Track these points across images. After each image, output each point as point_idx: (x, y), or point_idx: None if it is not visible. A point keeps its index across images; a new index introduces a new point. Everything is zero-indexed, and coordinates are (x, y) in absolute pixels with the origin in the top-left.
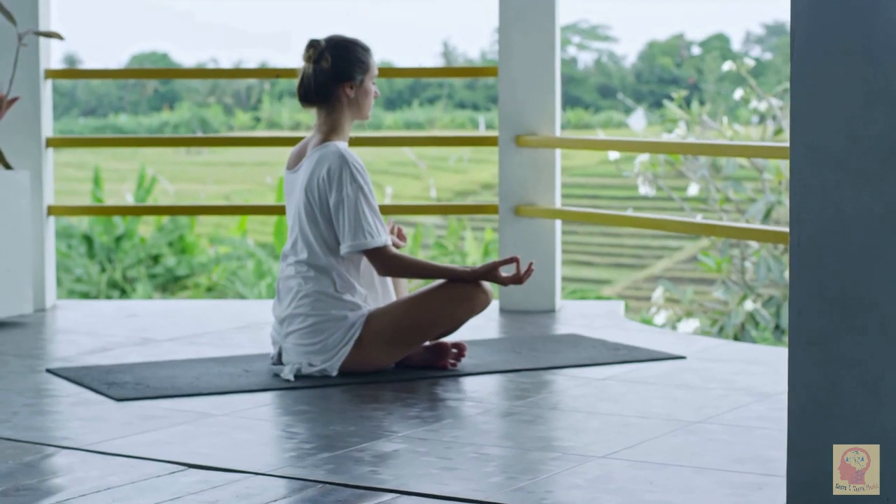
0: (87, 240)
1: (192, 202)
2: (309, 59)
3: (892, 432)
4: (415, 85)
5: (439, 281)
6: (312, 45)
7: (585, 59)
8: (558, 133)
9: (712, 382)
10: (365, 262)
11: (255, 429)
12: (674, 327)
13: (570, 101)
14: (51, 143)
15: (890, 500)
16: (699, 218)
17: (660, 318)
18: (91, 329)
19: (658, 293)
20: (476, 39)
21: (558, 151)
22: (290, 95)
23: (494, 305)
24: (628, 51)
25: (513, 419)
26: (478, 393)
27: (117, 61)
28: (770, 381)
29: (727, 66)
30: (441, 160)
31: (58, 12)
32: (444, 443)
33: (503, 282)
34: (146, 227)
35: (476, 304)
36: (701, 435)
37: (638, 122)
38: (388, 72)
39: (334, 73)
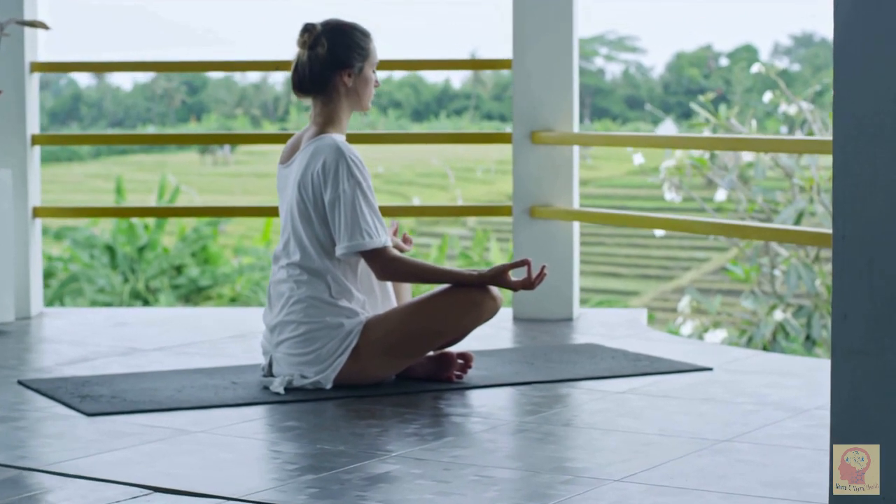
0: (110, 250)
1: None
2: (303, 44)
3: None
4: (442, 96)
5: (444, 286)
6: (307, 29)
7: (613, 70)
8: (576, 129)
9: (741, 396)
10: (363, 265)
11: (234, 447)
12: (700, 338)
13: (597, 113)
14: (37, 140)
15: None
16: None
17: (686, 329)
18: (75, 338)
19: (684, 302)
20: (505, 50)
21: (576, 149)
22: None
23: (506, 313)
24: (656, 62)
25: (521, 437)
26: (485, 408)
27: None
28: (804, 395)
29: (755, 68)
30: (468, 171)
31: (48, 4)
32: (442, 463)
33: (513, 287)
34: (169, 238)
35: (484, 311)
36: (728, 455)
37: (666, 132)
38: (388, 64)
39: (331, 60)
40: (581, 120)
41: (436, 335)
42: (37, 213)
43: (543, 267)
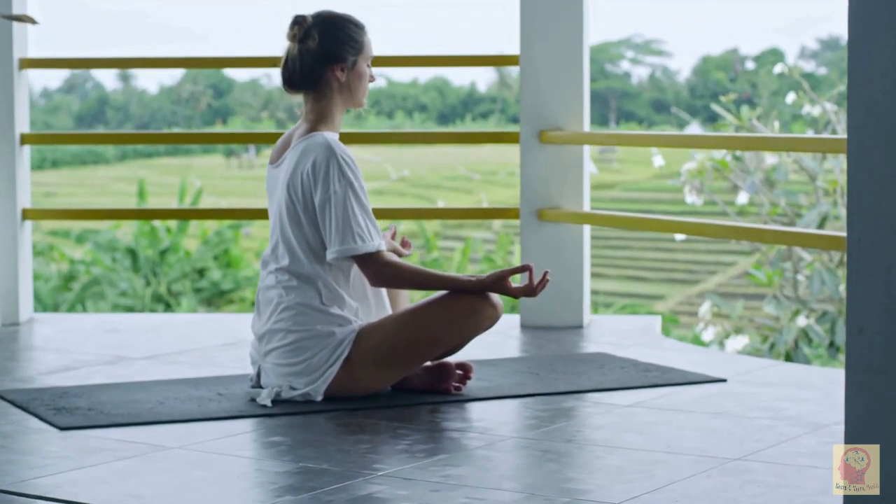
0: (132, 253)
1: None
2: (293, 37)
3: None
4: (468, 100)
5: (441, 293)
6: (297, 21)
7: (639, 73)
8: (587, 128)
9: (755, 410)
10: (356, 270)
11: (211, 465)
12: (721, 344)
13: (623, 116)
14: (26, 139)
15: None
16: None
17: (707, 335)
18: (61, 345)
19: (705, 308)
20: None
21: (586, 149)
22: None
23: (513, 320)
24: (682, 65)
25: (520, 454)
26: (483, 422)
27: (170, 75)
28: (823, 409)
29: (778, 68)
30: (491, 174)
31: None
32: (431, 484)
33: (513, 293)
34: (191, 241)
35: (483, 319)
36: (739, 475)
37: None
38: (389, 61)
39: (322, 53)
40: (607, 123)
41: (433, 344)
42: (26, 215)
43: (546, 273)
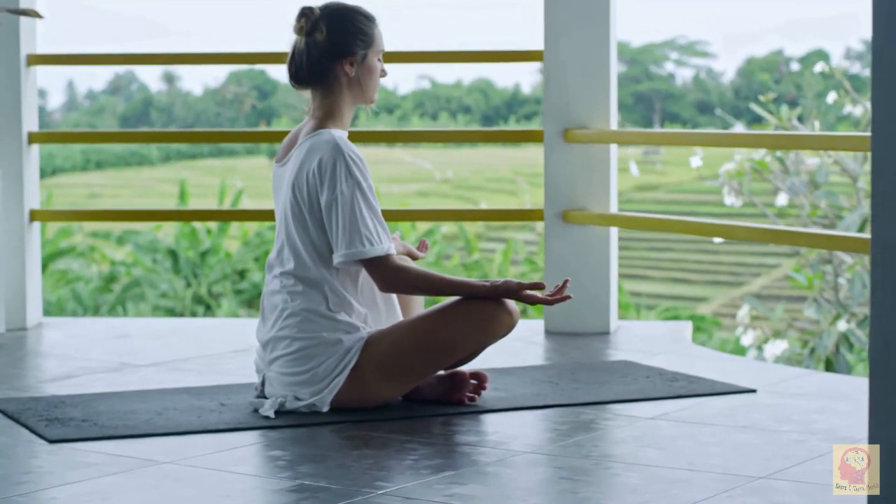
0: (173, 254)
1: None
2: (300, 30)
3: None
4: (512, 101)
5: (455, 298)
6: (304, 13)
7: (684, 75)
8: (614, 126)
9: (786, 424)
10: (364, 274)
11: (201, 482)
12: (759, 349)
13: (668, 117)
14: (34, 138)
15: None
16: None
17: (747, 339)
18: (66, 352)
19: (743, 312)
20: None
21: (614, 147)
22: (387, 112)
23: (538, 326)
24: (727, 67)
25: (532, 471)
26: (497, 435)
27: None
28: (857, 423)
29: (819, 67)
30: (536, 176)
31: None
32: (434, 503)
33: (528, 299)
34: (232, 242)
35: (499, 326)
36: (764, 496)
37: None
38: (410, 56)
39: (330, 47)
40: (651, 124)
41: (445, 353)
42: (34, 216)
43: (566, 281)
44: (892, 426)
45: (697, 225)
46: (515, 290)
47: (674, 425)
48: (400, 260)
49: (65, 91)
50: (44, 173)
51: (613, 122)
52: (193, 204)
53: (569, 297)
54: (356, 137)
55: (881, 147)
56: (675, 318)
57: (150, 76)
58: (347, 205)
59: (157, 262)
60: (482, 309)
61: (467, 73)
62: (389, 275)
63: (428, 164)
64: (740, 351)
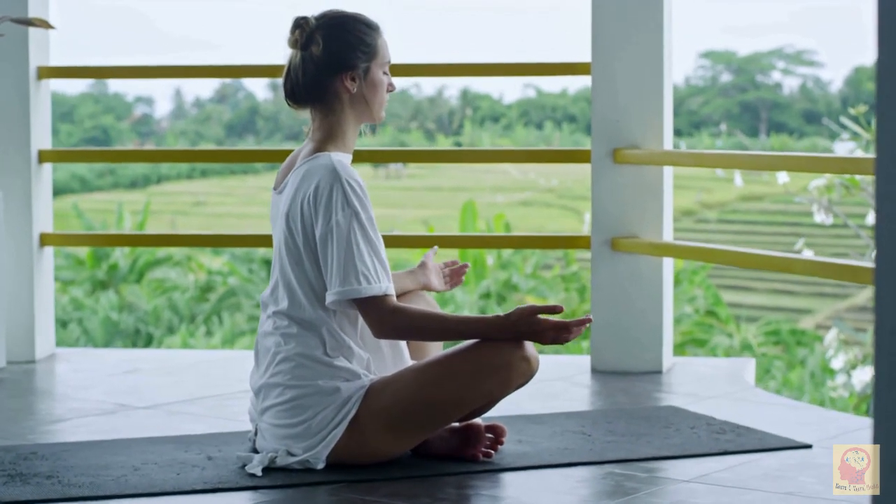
0: (268, 265)
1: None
2: (295, 43)
3: None
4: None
5: (466, 342)
6: (298, 24)
7: (790, 84)
8: (668, 146)
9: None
10: None
11: None
12: (848, 374)
13: (774, 127)
14: (45, 157)
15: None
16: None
17: (837, 362)
18: (65, 390)
19: (832, 335)
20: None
21: (668, 170)
22: (492, 121)
23: (584, 364)
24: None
25: None
26: (511, 498)
27: None
28: None
29: None
30: None
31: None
32: None
33: (542, 338)
34: None
35: (515, 376)
36: None
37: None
38: (449, 69)
39: (328, 61)
40: (757, 134)
41: (455, 406)
42: (45, 240)
43: (588, 317)
44: (892, 426)
45: (756, 257)
46: (529, 315)
47: (711, 490)
48: (397, 303)
49: (172, 99)
50: (149, 181)
51: (668, 142)
52: None
53: (589, 320)
54: (409, 156)
55: (888, 123)
56: (776, 332)
57: (257, 85)
58: (343, 237)
59: (253, 272)
60: (495, 355)
61: (573, 82)
62: (385, 318)
63: (532, 173)
64: (830, 372)
